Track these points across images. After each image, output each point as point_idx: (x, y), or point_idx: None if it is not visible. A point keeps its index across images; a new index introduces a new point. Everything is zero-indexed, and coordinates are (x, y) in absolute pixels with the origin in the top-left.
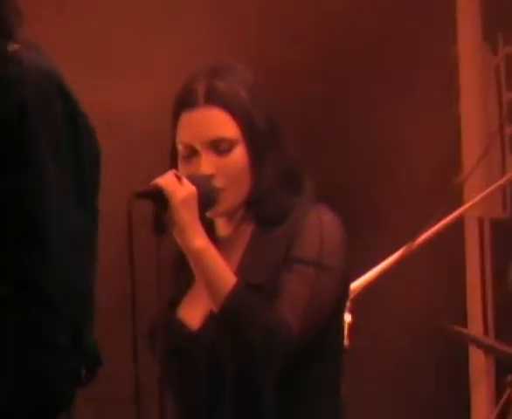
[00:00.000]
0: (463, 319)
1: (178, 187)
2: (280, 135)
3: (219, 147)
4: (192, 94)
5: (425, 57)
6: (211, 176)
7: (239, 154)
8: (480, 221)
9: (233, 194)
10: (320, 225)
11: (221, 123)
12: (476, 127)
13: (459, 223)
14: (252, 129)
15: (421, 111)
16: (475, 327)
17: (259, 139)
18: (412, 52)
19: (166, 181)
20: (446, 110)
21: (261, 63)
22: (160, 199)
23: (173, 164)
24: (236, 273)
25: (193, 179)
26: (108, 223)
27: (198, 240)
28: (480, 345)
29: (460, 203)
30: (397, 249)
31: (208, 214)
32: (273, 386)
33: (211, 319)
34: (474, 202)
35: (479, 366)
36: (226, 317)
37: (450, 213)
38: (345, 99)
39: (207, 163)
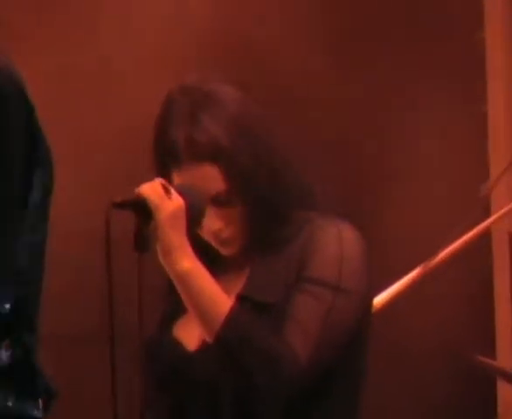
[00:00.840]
0: (491, 346)
1: (165, 200)
2: (277, 160)
3: (217, 200)
4: (173, 150)
5: (447, 47)
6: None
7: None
8: (511, 235)
9: (241, 238)
10: (340, 242)
11: (210, 178)
12: (505, 127)
13: (486, 238)
14: (241, 179)
15: (442, 108)
16: (504, 356)
17: (251, 187)
18: (433, 42)
19: (151, 191)
20: (470, 106)
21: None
22: (143, 211)
23: None
24: (242, 291)
25: (182, 189)
26: (88, 236)
27: (186, 261)
28: (509, 379)
29: (486, 215)
30: (414, 266)
31: (220, 250)
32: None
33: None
34: (503, 213)
35: (507, 401)
36: (222, 348)
37: (475, 226)
38: (361, 104)
39: (212, 219)
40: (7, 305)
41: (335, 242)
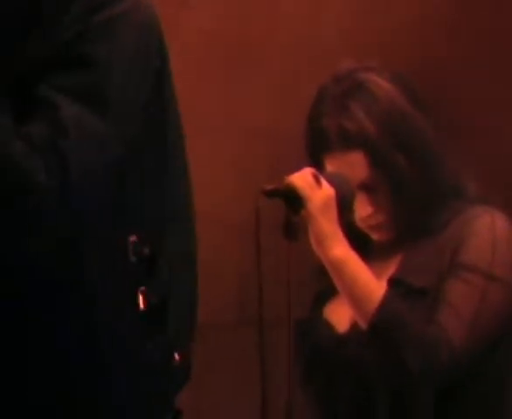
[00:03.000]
0: None
1: (316, 190)
2: (424, 151)
3: (366, 186)
4: (324, 137)
5: None
6: (357, 179)
7: (387, 188)
8: None
9: (390, 223)
10: (493, 230)
11: (357, 165)
12: None
13: None
14: (385, 167)
15: None
16: None
17: (394, 176)
18: None
19: (301, 180)
20: None
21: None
22: (293, 200)
23: None
24: (395, 274)
25: (331, 178)
26: (229, 223)
27: (337, 249)
28: None
29: None
30: None
31: (371, 235)
32: (431, 404)
33: (359, 325)
34: None
35: None
36: (376, 334)
37: None
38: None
39: (362, 205)
40: (146, 250)
41: (488, 230)
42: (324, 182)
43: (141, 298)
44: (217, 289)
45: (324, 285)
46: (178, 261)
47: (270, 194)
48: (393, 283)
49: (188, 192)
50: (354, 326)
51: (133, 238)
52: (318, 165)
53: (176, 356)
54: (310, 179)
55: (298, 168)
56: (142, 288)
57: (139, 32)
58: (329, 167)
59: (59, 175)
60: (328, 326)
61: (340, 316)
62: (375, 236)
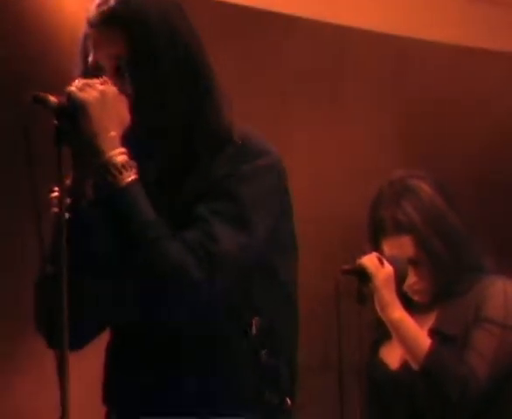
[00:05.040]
0: None
1: (380, 269)
2: (456, 237)
3: (412, 262)
4: (381, 225)
5: None
6: (407, 259)
7: (428, 263)
8: None
9: (429, 289)
10: (505, 293)
11: (407, 246)
12: None
13: None
14: (427, 248)
15: None
16: None
17: (433, 255)
18: None
19: (370, 262)
20: None
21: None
22: (363, 276)
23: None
24: (434, 326)
25: (391, 259)
26: (314, 292)
27: (396, 312)
28: None
29: None
30: None
31: (414, 298)
32: None
33: (408, 363)
34: None
35: None
36: (426, 374)
37: None
38: None
39: (409, 275)
40: (266, 325)
41: (501, 292)
42: (386, 263)
43: (262, 357)
44: (305, 340)
45: (380, 333)
46: (286, 334)
47: (347, 272)
48: (433, 332)
49: (295, 288)
50: (403, 364)
51: (256, 320)
52: (377, 246)
53: (288, 401)
54: (376, 260)
55: (366, 250)
56: (263, 351)
57: (273, 178)
58: (386, 248)
59: (209, 270)
60: (384, 364)
61: (392, 357)
62: (417, 298)
